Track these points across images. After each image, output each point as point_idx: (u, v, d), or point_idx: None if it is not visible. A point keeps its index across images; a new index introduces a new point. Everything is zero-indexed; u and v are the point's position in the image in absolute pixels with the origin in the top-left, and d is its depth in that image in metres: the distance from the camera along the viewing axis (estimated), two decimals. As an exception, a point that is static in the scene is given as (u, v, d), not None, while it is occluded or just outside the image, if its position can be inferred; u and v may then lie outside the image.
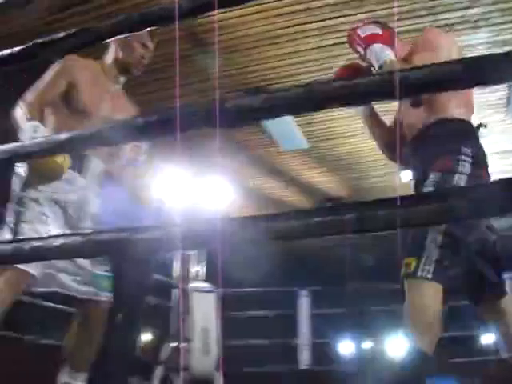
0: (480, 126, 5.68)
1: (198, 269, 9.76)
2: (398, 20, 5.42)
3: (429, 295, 2.77)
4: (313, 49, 6.31)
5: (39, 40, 1.86)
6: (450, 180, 2.70)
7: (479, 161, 2.84)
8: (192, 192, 8.12)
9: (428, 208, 1.17)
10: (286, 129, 7.84)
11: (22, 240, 1.64)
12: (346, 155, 8.82)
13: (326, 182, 9.86)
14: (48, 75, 3.29)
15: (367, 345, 12.11)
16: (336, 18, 5.91)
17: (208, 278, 9.40)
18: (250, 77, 6.76)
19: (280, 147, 8.51)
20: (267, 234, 1.27)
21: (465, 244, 2.73)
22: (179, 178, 8.04)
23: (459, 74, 1.25)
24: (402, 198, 1.20)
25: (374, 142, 3.67)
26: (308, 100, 1.40)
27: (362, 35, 3.17)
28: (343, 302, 9.25)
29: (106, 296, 3.27)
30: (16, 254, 1.63)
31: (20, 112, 3.17)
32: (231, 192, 9.24)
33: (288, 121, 7.60)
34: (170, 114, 1.55)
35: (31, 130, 2.98)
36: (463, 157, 2.78)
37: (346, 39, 5.89)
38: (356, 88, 1.35)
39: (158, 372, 8.19)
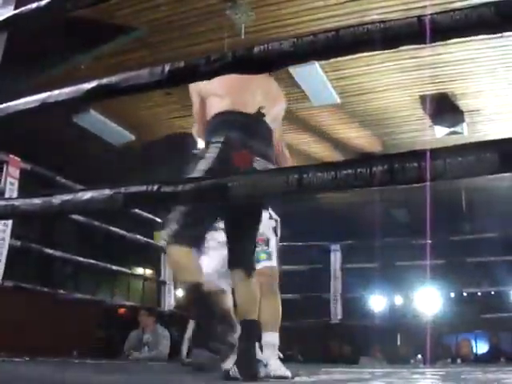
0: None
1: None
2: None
3: None
4: (344, 3, 6.23)
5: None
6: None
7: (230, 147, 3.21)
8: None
9: (461, 160, 1.16)
10: (318, 83, 7.78)
11: (51, 194, 1.66)
12: (378, 110, 8.74)
13: (357, 137, 9.79)
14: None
15: (398, 300, 12.16)
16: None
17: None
18: (281, 32, 6.69)
19: (311, 102, 8.45)
20: (299, 185, 1.27)
21: None
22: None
23: (490, 18, 1.23)
24: (433, 150, 1.18)
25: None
26: (337, 44, 1.39)
27: None
28: (374, 256, 9.24)
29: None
30: (45, 208, 1.65)
31: (194, 132, 4.00)
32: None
33: (319, 75, 7.55)
34: (196, 61, 1.55)
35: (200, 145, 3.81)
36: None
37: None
38: (386, 31, 1.33)
39: (192, 325, 8.28)
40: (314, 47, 1.40)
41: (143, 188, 1.45)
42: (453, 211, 10.51)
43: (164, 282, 7.93)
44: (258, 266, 3.94)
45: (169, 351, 8.42)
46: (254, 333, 3.22)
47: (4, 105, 1.98)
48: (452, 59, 7.05)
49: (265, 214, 4.04)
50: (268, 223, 4.24)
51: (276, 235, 4.39)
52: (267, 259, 4.23)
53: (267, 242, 4.27)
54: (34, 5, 2.05)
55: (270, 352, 3.95)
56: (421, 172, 1.18)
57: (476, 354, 10.90)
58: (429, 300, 10.26)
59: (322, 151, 10.31)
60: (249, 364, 3.06)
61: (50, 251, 6.69)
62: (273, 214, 4.38)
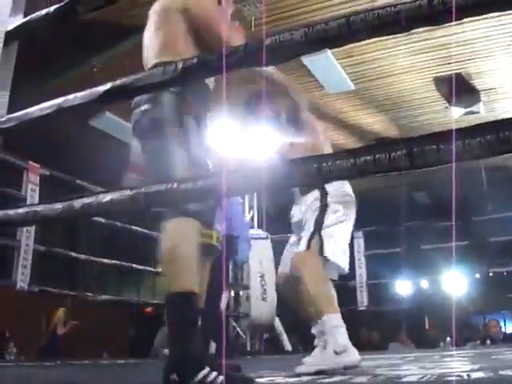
0: None
1: (250, 215, 9.83)
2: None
3: None
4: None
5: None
6: None
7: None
8: (241, 139, 8.11)
9: (480, 140, 1.15)
10: (331, 71, 7.76)
11: (71, 198, 1.67)
12: (393, 94, 8.71)
13: (374, 122, 9.77)
14: None
15: (424, 283, 12.13)
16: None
17: (261, 223, 9.46)
18: (290, 21, 6.67)
19: (326, 90, 8.44)
20: (319, 174, 1.27)
21: None
22: (228, 126, 8.05)
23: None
24: (451, 132, 1.18)
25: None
26: (349, 31, 1.38)
27: None
28: (398, 241, 9.22)
29: None
30: (67, 212, 1.66)
31: None
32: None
33: (332, 63, 7.53)
34: (209, 57, 1.55)
35: None
36: None
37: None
38: (397, 15, 1.32)
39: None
40: (326, 35, 1.40)
41: (163, 187, 1.45)
42: (474, 191, 10.45)
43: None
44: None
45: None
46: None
47: (20, 112, 1.99)
48: (465, 38, 7.00)
49: (310, 196, 3.89)
50: (311, 205, 3.87)
51: (320, 215, 3.83)
52: (297, 246, 3.85)
53: (303, 226, 3.88)
54: (44, 11, 2.06)
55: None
56: (440, 154, 1.18)
57: (505, 334, 10.86)
58: (455, 282, 10.23)
59: (339, 138, 10.29)
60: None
61: (74, 254, 6.74)
62: (332, 190, 3.88)
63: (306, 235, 3.77)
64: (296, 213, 4.04)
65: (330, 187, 3.84)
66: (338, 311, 3.67)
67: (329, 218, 3.81)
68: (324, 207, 3.83)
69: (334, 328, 3.50)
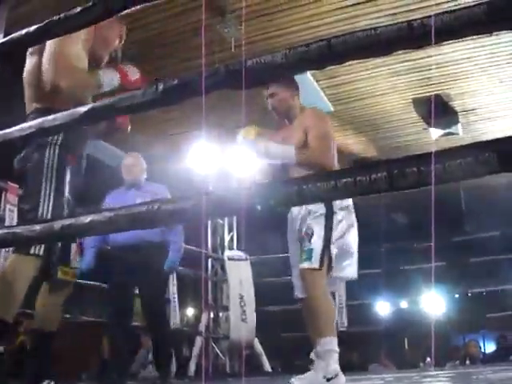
0: None
1: (229, 236, 9.82)
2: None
3: None
4: (335, 9, 6.23)
5: (54, 18, 1.86)
6: None
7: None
8: (221, 159, 8.11)
9: (460, 162, 1.16)
10: (310, 93, 7.78)
11: (52, 220, 1.66)
12: (373, 115, 8.75)
13: (353, 143, 9.80)
14: None
15: (403, 304, 12.14)
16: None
17: (241, 245, 9.45)
18: (273, 42, 6.70)
19: (305, 111, 8.47)
20: (299, 196, 1.27)
21: None
22: (209, 145, 8.07)
23: (480, 18, 1.23)
24: (431, 154, 1.18)
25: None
26: (330, 53, 1.39)
27: None
28: (377, 262, 9.24)
29: None
30: (46, 233, 1.65)
31: None
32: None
33: (312, 84, 7.56)
34: (190, 78, 1.55)
35: None
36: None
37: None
38: (378, 38, 1.33)
39: (199, 341, 8.30)
40: (307, 57, 1.40)
41: (143, 208, 1.44)
42: (452, 211, 10.50)
43: (168, 300, 7.93)
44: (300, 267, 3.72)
45: (175, 368, 8.40)
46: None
47: (0, 132, 1.98)
48: (444, 60, 7.06)
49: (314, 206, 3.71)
50: (317, 213, 3.71)
51: (327, 228, 3.70)
52: (306, 259, 3.67)
53: (310, 237, 3.69)
54: (24, 31, 2.05)
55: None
56: (421, 176, 1.18)
57: (484, 354, 10.88)
58: (434, 302, 10.25)
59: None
60: None
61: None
62: (337, 203, 3.72)
63: (316, 251, 3.65)
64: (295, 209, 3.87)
65: None
66: (335, 334, 3.60)
67: (337, 230, 3.72)
68: (330, 217, 3.71)
69: (327, 352, 3.46)
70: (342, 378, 3.44)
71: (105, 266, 5.62)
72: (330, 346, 3.47)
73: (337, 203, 3.68)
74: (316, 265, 3.62)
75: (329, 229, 3.71)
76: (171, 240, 5.54)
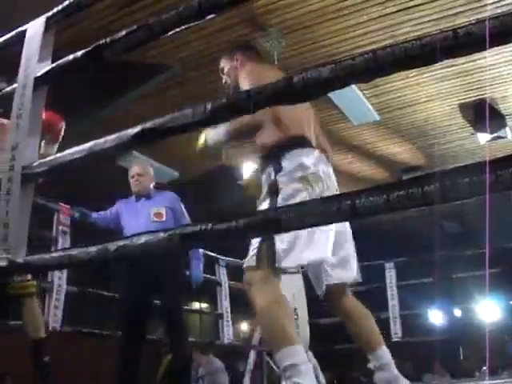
0: None
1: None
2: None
3: None
4: (376, 18, 6.22)
5: (101, 41, 1.89)
6: None
7: None
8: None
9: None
10: (356, 103, 7.78)
11: (106, 241, 1.67)
12: (419, 123, 8.69)
13: (401, 152, 9.74)
14: None
15: (457, 312, 11.97)
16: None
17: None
18: (316, 53, 6.71)
19: (351, 122, 8.45)
20: (352, 211, 1.26)
21: None
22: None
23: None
24: (481, 163, 1.16)
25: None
26: (376, 65, 1.38)
27: None
28: (429, 271, 9.12)
29: None
30: (102, 255, 1.66)
31: None
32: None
33: (357, 94, 7.55)
34: (237, 95, 1.55)
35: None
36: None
37: (408, 4, 5.83)
38: (423, 48, 1.32)
39: (252, 356, 8.28)
40: (353, 71, 1.40)
41: (197, 228, 1.45)
42: (503, 217, 10.34)
43: (221, 315, 7.94)
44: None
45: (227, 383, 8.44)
46: None
47: (51, 157, 2.01)
48: (488, 64, 6.99)
49: (264, 175, 2.91)
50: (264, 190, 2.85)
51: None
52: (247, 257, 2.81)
53: None
54: (71, 56, 2.09)
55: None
56: (473, 187, 1.17)
57: (542, 361, 10.65)
58: (488, 310, 10.09)
59: (366, 169, 10.28)
60: None
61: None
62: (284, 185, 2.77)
63: (253, 245, 2.79)
64: None
65: (285, 161, 2.85)
66: (297, 342, 2.66)
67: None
68: (273, 194, 2.76)
69: (289, 367, 2.50)
70: None
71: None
72: (291, 358, 2.52)
73: (286, 175, 2.80)
74: (250, 263, 2.77)
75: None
76: (194, 256, 5.45)
